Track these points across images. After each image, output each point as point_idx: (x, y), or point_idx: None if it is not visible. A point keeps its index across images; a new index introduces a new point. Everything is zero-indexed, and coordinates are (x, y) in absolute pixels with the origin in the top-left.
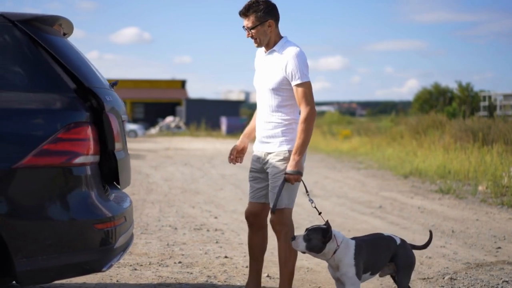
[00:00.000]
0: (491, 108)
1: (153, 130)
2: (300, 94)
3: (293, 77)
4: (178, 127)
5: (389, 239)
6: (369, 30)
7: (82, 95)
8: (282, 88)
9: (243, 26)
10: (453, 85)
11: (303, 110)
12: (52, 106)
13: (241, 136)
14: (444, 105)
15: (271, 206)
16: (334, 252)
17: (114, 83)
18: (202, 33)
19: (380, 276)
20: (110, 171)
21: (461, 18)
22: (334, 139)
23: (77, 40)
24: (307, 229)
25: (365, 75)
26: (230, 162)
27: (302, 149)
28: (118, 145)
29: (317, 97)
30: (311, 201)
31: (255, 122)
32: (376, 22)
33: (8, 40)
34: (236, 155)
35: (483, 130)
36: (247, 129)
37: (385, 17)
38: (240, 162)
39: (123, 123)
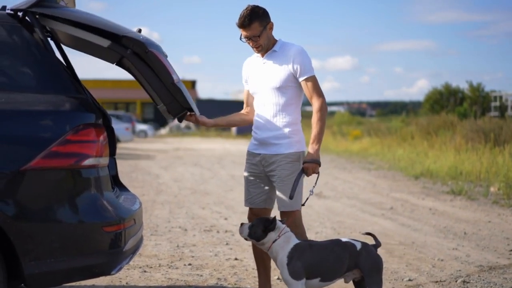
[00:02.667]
0: (502, 109)
1: (163, 131)
2: (310, 87)
3: (302, 72)
4: (188, 127)
5: (346, 245)
6: (378, 30)
7: (120, 46)
8: (288, 86)
9: (242, 37)
10: (463, 85)
11: (317, 101)
12: (61, 107)
13: (215, 119)
14: (455, 106)
15: (283, 209)
16: (274, 242)
17: (139, 30)
18: (211, 32)
19: (345, 282)
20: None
21: (472, 18)
22: (344, 139)
23: None
24: (254, 219)
25: (374, 75)
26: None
27: (319, 138)
28: (175, 77)
29: (326, 98)
30: (311, 193)
31: (232, 119)
32: (386, 22)
33: (17, 41)
34: (195, 119)
35: (494, 131)
36: (223, 119)
37: (394, 17)
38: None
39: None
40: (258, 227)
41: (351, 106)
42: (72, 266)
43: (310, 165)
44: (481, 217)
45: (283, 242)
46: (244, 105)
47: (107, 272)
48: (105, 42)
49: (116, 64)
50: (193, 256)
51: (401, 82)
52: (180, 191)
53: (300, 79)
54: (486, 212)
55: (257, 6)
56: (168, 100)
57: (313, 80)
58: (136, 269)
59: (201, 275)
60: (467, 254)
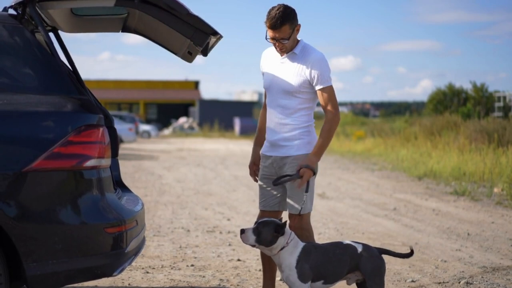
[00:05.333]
0: (506, 109)
1: (167, 131)
2: (326, 97)
3: (318, 81)
4: (191, 128)
5: (347, 247)
6: (381, 30)
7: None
8: (301, 91)
9: (268, 37)
10: (467, 86)
11: (330, 112)
12: (63, 108)
13: (253, 147)
14: (458, 106)
15: (292, 212)
16: (281, 249)
17: None
18: None
19: (348, 284)
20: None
21: (476, 18)
22: (348, 140)
23: (89, 41)
24: (256, 222)
25: (377, 76)
26: (256, 181)
27: (322, 149)
28: (188, 8)
29: None
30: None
31: (265, 126)
32: (388, 23)
33: (19, 42)
34: (256, 170)
35: (498, 131)
36: (257, 137)
37: (397, 17)
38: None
39: None
40: (268, 232)
41: (355, 106)
42: (74, 268)
43: (305, 170)
44: (485, 218)
45: (292, 247)
46: (265, 99)
47: (109, 274)
48: (110, 2)
49: (121, 31)
50: (195, 257)
51: (405, 83)
52: (183, 191)
53: (317, 88)
54: (489, 213)
55: (288, 7)
56: (190, 32)
57: (329, 90)
58: (139, 270)
59: (204, 276)
60: (470, 255)
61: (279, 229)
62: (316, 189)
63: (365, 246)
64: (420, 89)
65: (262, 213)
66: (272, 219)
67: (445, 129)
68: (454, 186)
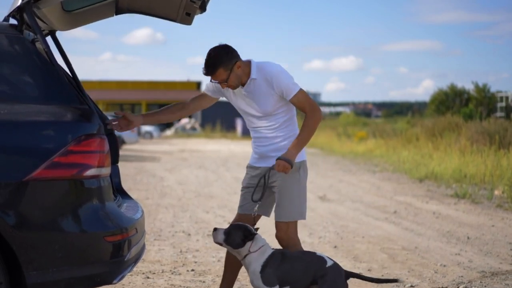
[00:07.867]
0: (508, 109)
1: (169, 132)
2: (300, 102)
3: (288, 92)
4: (193, 128)
5: (317, 258)
6: (382, 30)
7: None
8: (278, 107)
9: (211, 80)
10: (469, 86)
11: (310, 111)
12: (63, 118)
13: (140, 115)
14: (460, 106)
15: (278, 219)
16: (246, 255)
17: None
18: (214, 32)
19: None
20: None
21: (477, 18)
22: (349, 141)
23: (90, 41)
24: (230, 224)
25: (378, 76)
26: (108, 125)
27: (300, 144)
28: None
29: (332, 98)
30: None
31: (168, 111)
32: (389, 23)
33: (20, 52)
34: (120, 123)
35: (499, 133)
36: (151, 113)
37: (398, 17)
38: (115, 129)
39: None
40: (237, 235)
41: (357, 106)
42: (74, 276)
43: (283, 162)
44: (485, 221)
45: (258, 254)
46: (190, 100)
47: (109, 281)
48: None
49: (115, 14)
50: (196, 262)
51: (406, 83)
52: (184, 194)
53: (288, 99)
54: (489, 216)
55: (221, 50)
56: None
57: (300, 95)
58: (139, 275)
59: (204, 281)
60: (469, 260)
61: (248, 234)
62: (317, 191)
63: (335, 265)
64: (422, 89)
65: (239, 216)
66: (245, 224)
67: (446, 130)
68: (455, 188)
